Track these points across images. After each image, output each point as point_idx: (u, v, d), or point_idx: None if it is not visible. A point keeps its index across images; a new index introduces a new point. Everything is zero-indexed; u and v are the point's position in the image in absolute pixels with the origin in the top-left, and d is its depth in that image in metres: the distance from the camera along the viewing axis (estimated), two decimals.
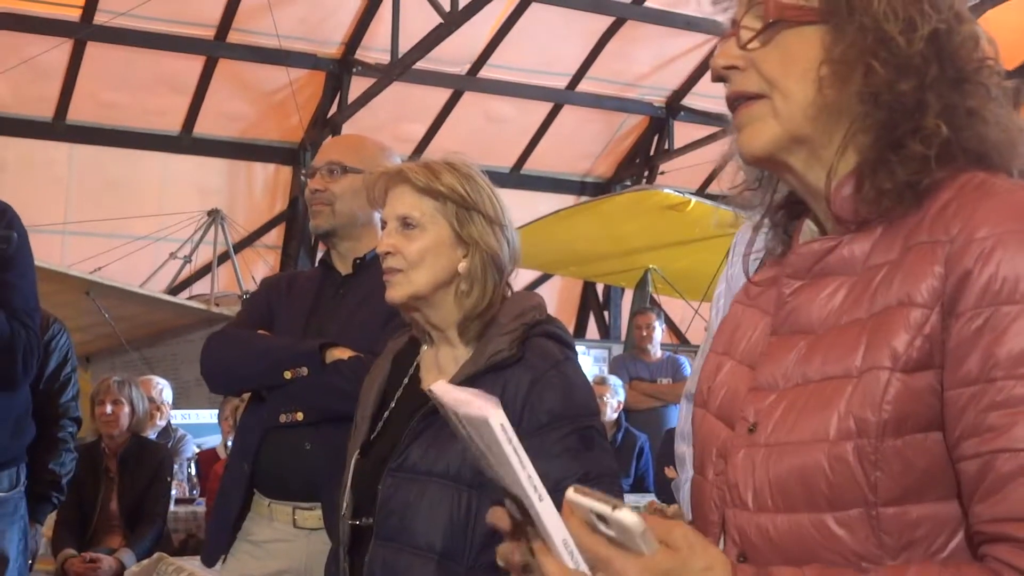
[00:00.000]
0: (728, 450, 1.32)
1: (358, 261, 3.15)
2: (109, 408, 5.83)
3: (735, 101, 1.33)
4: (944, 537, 1.17)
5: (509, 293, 2.29)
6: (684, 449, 2.75)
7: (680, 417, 2.97)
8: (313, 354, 2.92)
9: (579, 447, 2.09)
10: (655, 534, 1.10)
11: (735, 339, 1.41)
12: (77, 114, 11.39)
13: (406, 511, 2.14)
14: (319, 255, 11.94)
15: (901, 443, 1.16)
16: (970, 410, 1.13)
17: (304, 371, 2.92)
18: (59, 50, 10.65)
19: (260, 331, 3.11)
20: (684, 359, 8.86)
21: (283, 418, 2.97)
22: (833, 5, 1.27)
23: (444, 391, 1.22)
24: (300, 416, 2.95)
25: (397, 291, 2.25)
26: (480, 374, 2.13)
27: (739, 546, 1.27)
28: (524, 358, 2.14)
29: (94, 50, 10.90)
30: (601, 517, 1.10)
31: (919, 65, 1.25)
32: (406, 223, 2.22)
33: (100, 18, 10.49)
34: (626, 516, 1.07)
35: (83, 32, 10.62)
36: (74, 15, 10.59)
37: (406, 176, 2.22)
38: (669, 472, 6.29)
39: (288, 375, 2.93)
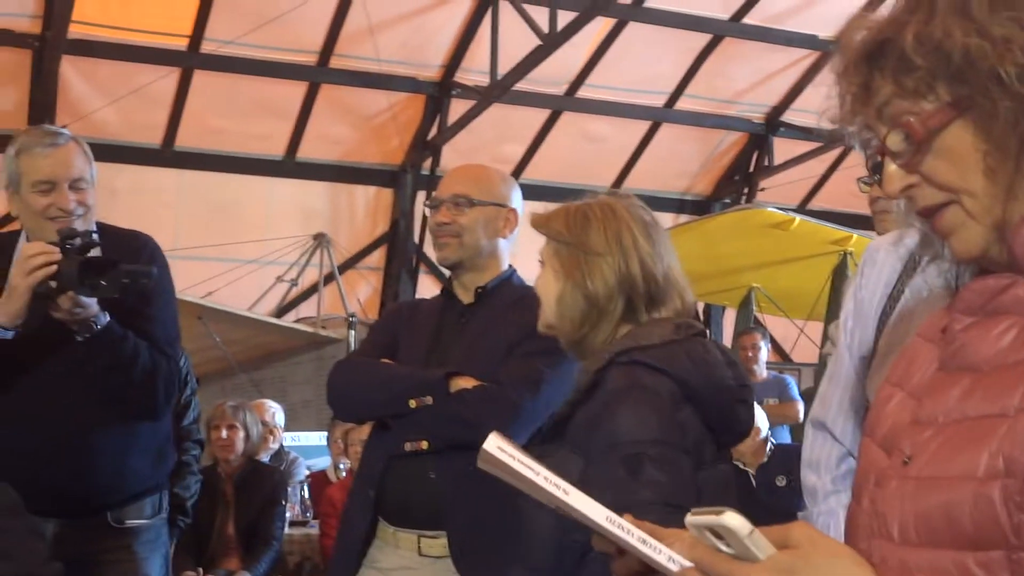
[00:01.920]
0: (882, 481, 1.31)
1: (480, 290, 3.18)
2: (224, 433, 5.93)
3: (927, 215, 1.32)
4: None
5: (654, 315, 2.34)
6: (814, 480, 2.68)
7: (806, 445, 2.88)
8: (438, 383, 2.95)
9: (624, 475, 2.08)
10: (772, 538, 1.09)
11: (910, 372, 1.39)
12: (184, 140, 11.60)
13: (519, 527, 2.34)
14: (420, 276, 12.05)
15: None
16: None
17: (429, 400, 2.95)
18: (167, 79, 10.88)
19: (384, 360, 3.15)
20: (790, 379, 8.77)
21: (408, 446, 3.00)
22: (964, 92, 1.25)
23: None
24: (425, 445, 2.98)
25: (540, 324, 2.47)
26: (575, 403, 2.24)
27: None
28: (602, 385, 2.19)
29: (201, 78, 11.11)
30: (715, 532, 1.10)
31: None
32: (540, 262, 2.43)
33: (207, 47, 10.71)
34: (730, 519, 1.08)
35: (190, 61, 10.85)
36: (181, 44, 10.81)
37: (535, 223, 2.45)
38: (779, 480, 6.22)
39: (413, 404, 2.96)
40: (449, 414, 2.93)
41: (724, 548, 1.10)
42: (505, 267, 3.25)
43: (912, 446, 1.28)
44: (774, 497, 5.82)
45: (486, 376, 2.96)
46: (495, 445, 1.19)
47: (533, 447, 2.36)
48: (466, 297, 3.21)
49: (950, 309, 1.36)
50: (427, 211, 3.28)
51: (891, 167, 1.31)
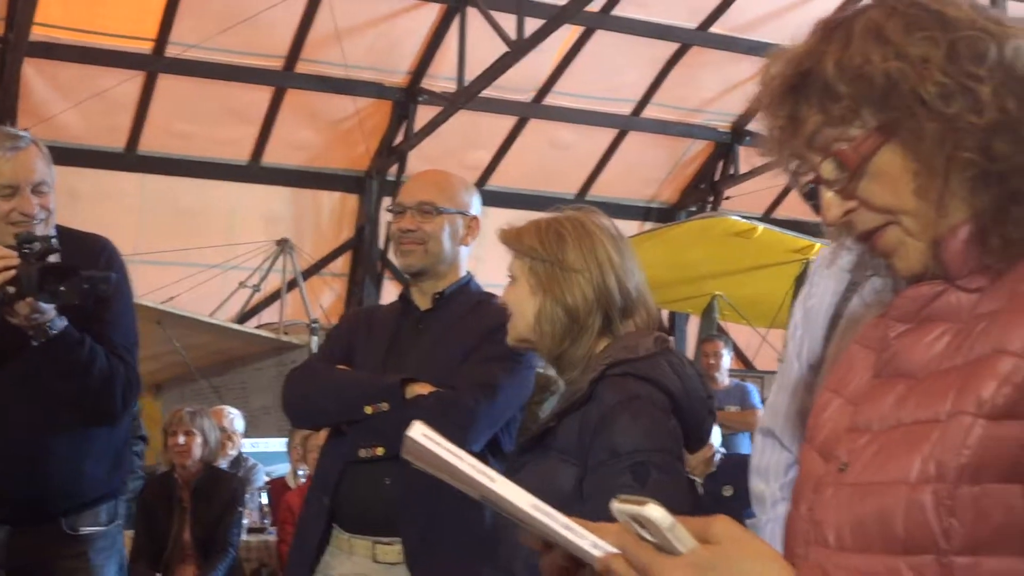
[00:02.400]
0: (820, 488, 1.32)
1: (438, 296, 3.17)
2: (182, 439, 5.89)
3: (865, 239, 1.34)
4: None
5: (627, 327, 2.38)
6: (762, 488, 2.69)
7: (754, 452, 2.89)
8: (394, 389, 2.94)
9: (631, 483, 2.12)
10: (693, 529, 1.10)
11: (847, 378, 1.41)
12: (148, 145, 11.55)
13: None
14: (384, 282, 12.04)
15: (979, 491, 1.14)
16: None
17: (385, 406, 2.94)
18: (131, 82, 10.82)
19: (341, 366, 3.13)
20: (752, 386, 8.80)
21: (363, 453, 2.99)
22: (890, 116, 1.26)
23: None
24: (380, 451, 2.97)
25: (509, 336, 2.48)
26: (564, 412, 2.25)
27: None
28: (596, 396, 2.22)
29: (165, 82, 11.07)
30: (639, 521, 1.10)
31: (1002, 119, 1.23)
32: (510, 276, 2.44)
33: (171, 51, 10.65)
34: (653, 511, 1.08)
35: (155, 64, 10.80)
36: (146, 48, 10.76)
37: (504, 238, 2.46)
38: (726, 490, 6.28)
39: (369, 410, 2.95)
40: (405, 420, 2.90)
41: (648, 537, 1.11)
42: (463, 273, 3.25)
43: (848, 453, 1.29)
44: (720, 507, 5.84)
45: (443, 382, 2.95)
46: (420, 432, 1.17)
47: (515, 457, 2.40)
48: (424, 303, 3.20)
49: (885, 316, 1.37)
50: (390, 216, 3.27)
51: (828, 195, 1.34)
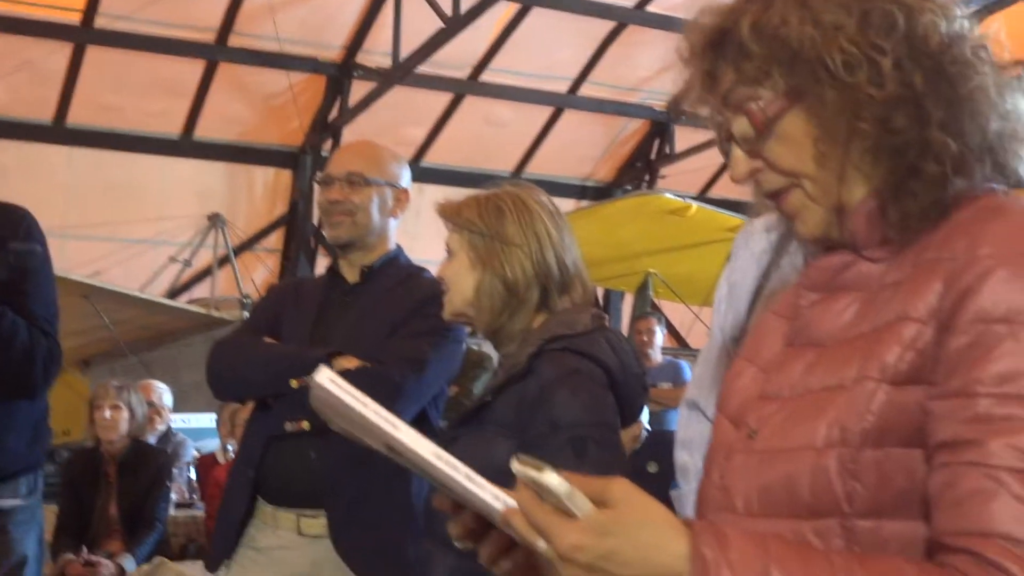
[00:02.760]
0: (730, 455, 1.34)
1: (366, 269, 3.14)
2: (108, 413, 5.81)
3: (772, 198, 1.36)
4: (916, 556, 1.16)
5: (564, 304, 2.39)
6: (686, 459, 2.72)
7: (680, 424, 2.92)
8: (320, 363, 2.90)
9: (571, 456, 2.13)
10: (590, 491, 1.10)
11: (761, 348, 1.42)
12: (77, 117, 11.36)
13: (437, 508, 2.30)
14: (318, 258, 11.98)
15: (881, 455, 1.17)
16: (948, 422, 1.13)
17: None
18: (59, 54, 10.64)
19: (267, 339, 3.10)
20: (685, 364, 8.84)
21: (288, 426, 2.96)
22: (797, 82, 1.28)
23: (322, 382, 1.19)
24: (306, 425, 2.94)
25: (445, 309, 2.48)
26: (501, 386, 2.27)
27: None
28: (535, 370, 2.23)
29: (94, 54, 10.89)
30: (539, 485, 1.10)
31: (903, 93, 1.24)
32: (447, 251, 2.44)
33: (100, 22, 10.49)
34: (549, 478, 1.09)
35: (83, 36, 10.62)
36: (74, 19, 10.58)
37: (443, 212, 2.46)
38: (650, 466, 6.34)
39: (295, 384, 2.92)
40: None
41: (549, 499, 1.11)
42: (393, 246, 3.22)
43: (757, 420, 1.31)
44: (644, 483, 5.89)
45: (370, 356, 2.93)
46: (327, 377, 1.15)
47: (450, 431, 2.40)
48: (352, 276, 3.18)
49: (797, 286, 1.40)
50: (317, 187, 3.24)
51: (737, 152, 1.35)
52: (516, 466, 1.12)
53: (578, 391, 2.21)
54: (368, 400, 1.15)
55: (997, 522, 1.07)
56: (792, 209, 1.34)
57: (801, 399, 1.26)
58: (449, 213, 2.42)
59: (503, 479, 1.81)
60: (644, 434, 6.76)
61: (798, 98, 1.28)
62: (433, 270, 3.21)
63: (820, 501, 1.19)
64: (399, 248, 3.24)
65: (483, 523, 1.22)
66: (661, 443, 5.12)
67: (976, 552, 1.07)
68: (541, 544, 1.10)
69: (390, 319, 3.02)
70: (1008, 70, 1.31)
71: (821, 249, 1.37)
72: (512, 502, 1.12)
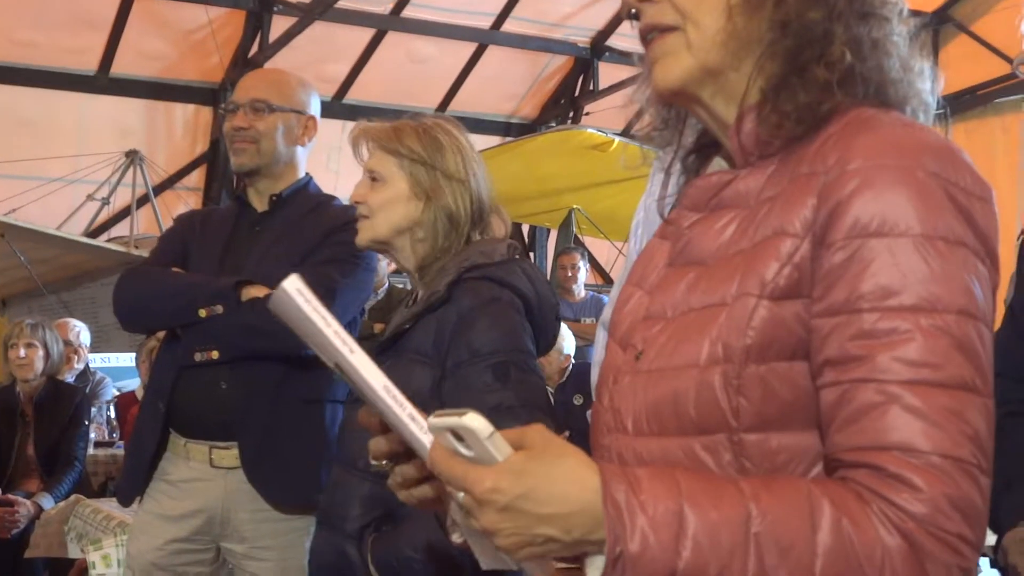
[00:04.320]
0: (618, 377, 1.34)
1: (275, 198, 3.11)
2: (23, 352, 5.73)
3: (648, 34, 1.33)
4: (804, 467, 1.18)
5: (477, 237, 2.39)
6: (597, 375, 2.79)
7: (596, 347, 2.98)
8: (229, 292, 2.89)
9: (493, 381, 2.15)
10: (509, 439, 1.10)
11: (647, 272, 1.43)
12: None
13: (352, 436, 2.32)
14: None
15: (764, 369, 1.18)
16: (833, 339, 1.14)
17: (219, 309, 2.89)
18: None
19: (174, 268, 3.06)
20: (608, 299, 8.89)
21: (198, 356, 2.95)
22: None
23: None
24: (215, 354, 2.93)
25: (361, 235, 2.42)
26: (420, 314, 2.27)
27: None
28: (454, 299, 2.23)
29: None
30: (456, 435, 1.10)
31: None
32: (372, 177, 2.39)
33: None
34: (472, 420, 1.08)
35: None
36: None
37: (373, 135, 2.41)
38: (576, 399, 6.42)
39: (203, 313, 2.90)
40: (240, 323, 2.87)
41: (464, 451, 1.10)
42: (302, 174, 3.19)
43: (643, 341, 1.32)
44: (571, 416, 5.98)
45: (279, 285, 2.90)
46: (295, 287, 1.13)
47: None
48: (260, 205, 3.15)
49: (678, 207, 1.40)
50: (222, 114, 3.20)
51: None
52: (433, 420, 1.11)
53: (498, 318, 2.22)
54: (331, 318, 1.14)
55: (893, 434, 1.08)
56: (662, 52, 1.32)
57: (684, 318, 1.27)
58: (385, 137, 2.38)
59: (423, 405, 1.81)
60: (570, 367, 6.83)
61: None
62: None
63: (707, 418, 1.20)
64: (308, 176, 3.21)
65: (407, 450, 1.23)
66: (586, 376, 5.17)
67: (875, 465, 1.08)
68: (459, 496, 1.11)
69: (300, 247, 3.00)
70: (906, 20, 1.32)
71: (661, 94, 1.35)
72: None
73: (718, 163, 1.41)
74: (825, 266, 1.16)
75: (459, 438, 1.10)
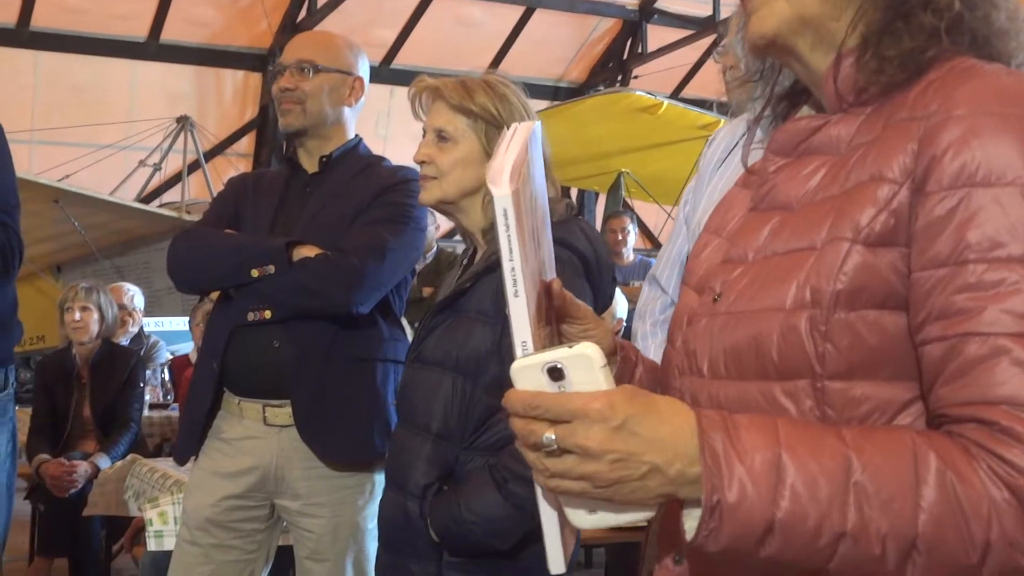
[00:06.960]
0: (693, 320, 1.32)
1: (324, 159, 3.13)
2: (78, 315, 5.80)
3: None
4: (886, 418, 1.16)
5: None
6: (638, 326, 2.86)
7: (641, 298, 3.01)
8: (280, 252, 2.91)
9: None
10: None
11: (726, 219, 1.41)
12: (41, 20, 11.19)
13: (414, 395, 2.34)
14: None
15: (853, 316, 1.15)
16: (938, 293, 1.10)
17: (271, 269, 2.91)
18: None
19: (227, 230, 3.09)
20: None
21: (251, 316, 2.97)
22: None
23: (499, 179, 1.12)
24: (268, 314, 2.95)
25: (428, 195, 2.43)
26: (480, 274, 2.29)
27: None
28: None
29: None
30: (554, 370, 1.07)
31: None
32: (441, 136, 2.39)
33: None
34: (587, 348, 1.06)
35: None
36: None
37: (442, 93, 2.38)
38: None
39: (255, 273, 2.92)
40: (291, 283, 2.90)
41: (556, 390, 1.08)
42: (351, 136, 3.20)
43: (722, 284, 1.29)
44: None
45: (329, 245, 2.93)
46: (503, 207, 1.08)
47: (429, 318, 2.39)
48: (311, 166, 3.16)
49: (764, 153, 1.37)
50: (272, 76, 3.22)
51: None
52: (521, 362, 1.08)
53: (562, 278, 2.21)
54: (516, 253, 1.09)
55: (1001, 388, 1.05)
56: (761, 2, 1.29)
57: (767, 262, 1.24)
58: (456, 95, 2.36)
59: (483, 363, 1.80)
60: (622, 329, 6.83)
61: None
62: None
63: (790, 362, 1.17)
64: (359, 137, 3.22)
65: None
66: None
67: (984, 419, 1.06)
68: (546, 437, 1.07)
69: (350, 208, 3.02)
70: None
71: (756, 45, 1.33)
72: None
73: (807, 111, 1.38)
74: (927, 215, 1.12)
75: (555, 378, 1.08)
